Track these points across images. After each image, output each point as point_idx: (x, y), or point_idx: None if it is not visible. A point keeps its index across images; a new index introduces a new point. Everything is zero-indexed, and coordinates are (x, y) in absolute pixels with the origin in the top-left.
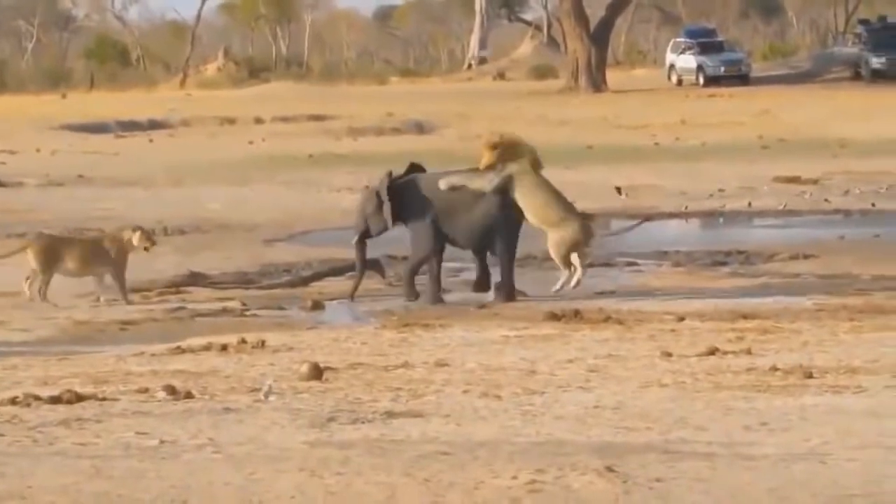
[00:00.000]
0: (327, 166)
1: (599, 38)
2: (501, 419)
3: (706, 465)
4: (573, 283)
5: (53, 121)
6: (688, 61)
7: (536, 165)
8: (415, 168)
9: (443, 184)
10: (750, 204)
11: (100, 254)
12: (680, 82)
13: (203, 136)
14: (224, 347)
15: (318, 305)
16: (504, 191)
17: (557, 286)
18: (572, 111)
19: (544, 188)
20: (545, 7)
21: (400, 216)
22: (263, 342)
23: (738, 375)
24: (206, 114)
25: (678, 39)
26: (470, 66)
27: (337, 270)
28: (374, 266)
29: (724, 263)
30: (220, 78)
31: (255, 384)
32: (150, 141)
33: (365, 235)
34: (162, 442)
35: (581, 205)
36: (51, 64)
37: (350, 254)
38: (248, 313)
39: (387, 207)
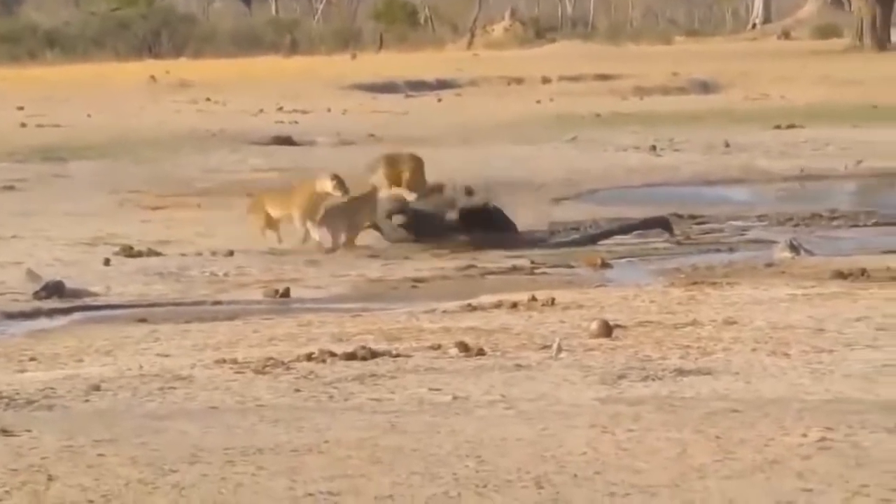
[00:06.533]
0: (613, 125)
1: None
2: (790, 377)
3: None
4: None
5: (344, 81)
6: None
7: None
8: None
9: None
10: None
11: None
12: None
13: (490, 95)
14: (514, 305)
15: (605, 264)
16: None
17: None
18: (857, 70)
19: None
20: None
21: None
22: (553, 300)
23: None
24: (494, 74)
25: None
26: (754, 25)
27: (625, 229)
28: (661, 224)
29: None
30: (506, 38)
31: (545, 341)
32: (439, 101)
33: None
34: (455, 398)
35: (868, 163)
36: (340, 25)
37: (636, 212)
38: (537, 271)
39: None
